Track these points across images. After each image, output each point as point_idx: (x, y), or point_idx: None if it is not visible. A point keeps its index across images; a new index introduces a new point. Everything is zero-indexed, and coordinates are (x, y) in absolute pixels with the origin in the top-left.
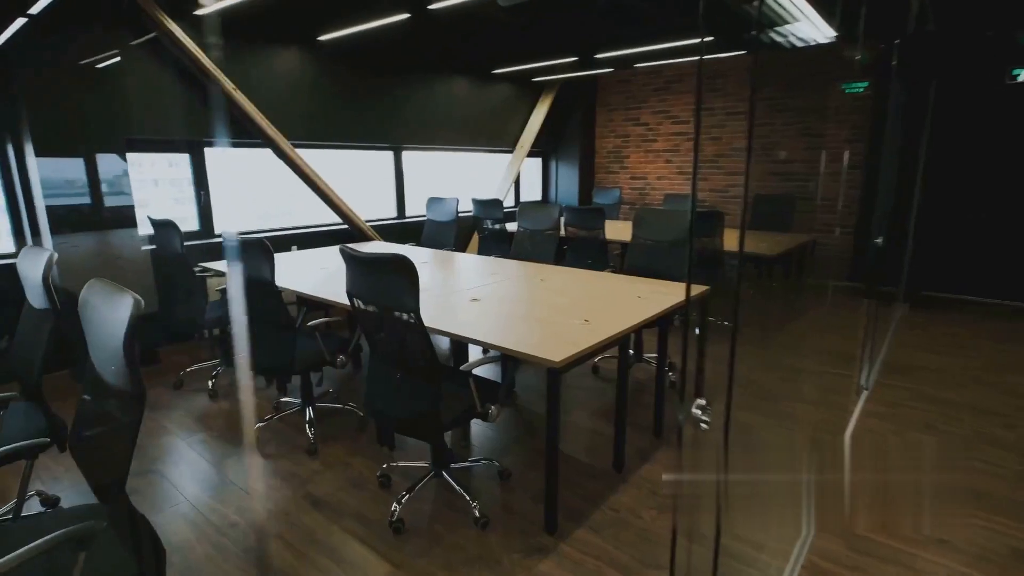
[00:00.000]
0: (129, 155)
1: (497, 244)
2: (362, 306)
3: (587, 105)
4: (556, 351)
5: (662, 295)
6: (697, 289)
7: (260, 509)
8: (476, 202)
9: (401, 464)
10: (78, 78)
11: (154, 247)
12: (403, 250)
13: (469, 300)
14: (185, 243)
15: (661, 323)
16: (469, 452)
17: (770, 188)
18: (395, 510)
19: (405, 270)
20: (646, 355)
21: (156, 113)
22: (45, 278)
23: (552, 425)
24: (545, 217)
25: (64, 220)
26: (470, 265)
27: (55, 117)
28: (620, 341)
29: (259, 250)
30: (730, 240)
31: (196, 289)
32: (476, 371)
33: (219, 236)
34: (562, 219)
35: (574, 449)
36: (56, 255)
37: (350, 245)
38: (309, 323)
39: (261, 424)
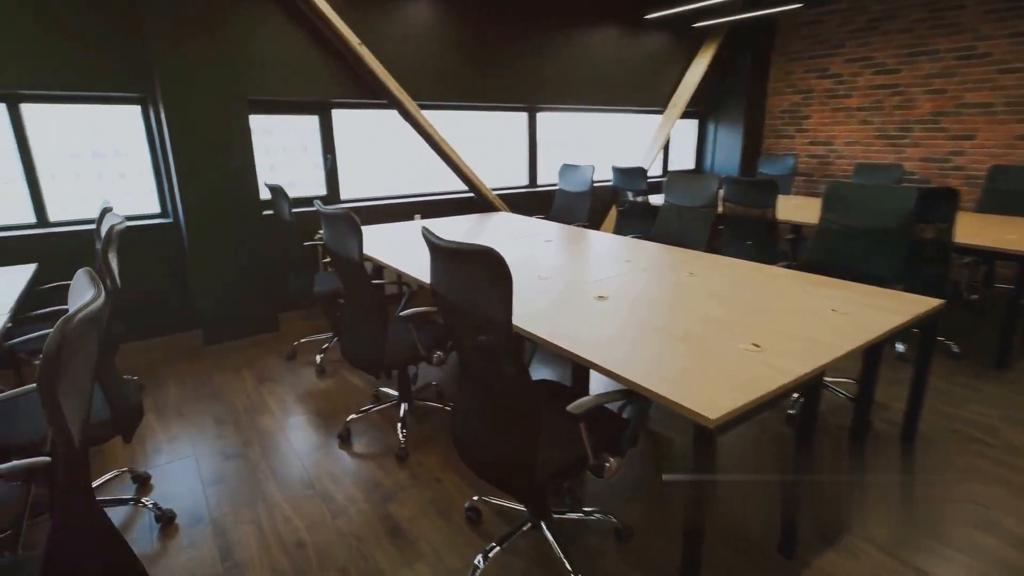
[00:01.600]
0: (254, 117)
1: (638, 221)
2: (449, 302)
3: (759, 54)
4: (710, 399)
5: (867, 307)
6: (924, 302)
7: (333, 530)
8: (616, 171)
9: (495, 501)
10: (202, 31)
11: (271, 212)
12: (528, 224)
13: (594, 297)
14: (311, 208)
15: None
16: (580, 496)
17: (1018, 157)
18: (478, 565)
19: (493, 271)
20: (829, 379)
21: (282, 72)
22: (103, 251)
23: (699, 495)
24: (700, 190)
25: (190, 183)
26: (602, 247)
27: (179, 74)
28: (810, 382)
29: (344, 224)
30: (964, 228)
31: (307, 258)
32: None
33: (342, 202)
34: (720, 193)
35: (725, 515)
36: (118, 226)
37: (468, 216)
38: (403, 312)
39: (356, 416)
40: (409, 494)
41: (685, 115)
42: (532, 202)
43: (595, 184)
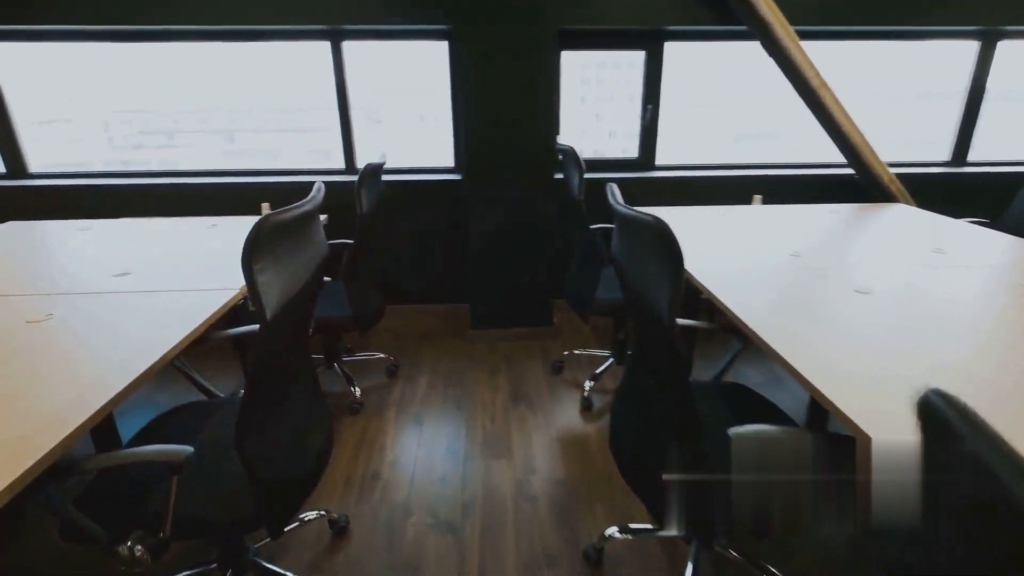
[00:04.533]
0: (566, 55)
1: None
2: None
3: None
4: None
5: None
6: None
7: None
8: None
9: None
10: None
11: (561, 175)
12: (940, 228)
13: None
14: (616, 177)
15: None
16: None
17: None
18: None
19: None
20: None
21: None
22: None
23: None
24: None
25: (480, 132)
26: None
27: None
28: None
29: (654, 240)
30: None
31: (590, 251)
32: None
33: (658, 168)
34: None
35: None
36: (321, 186)
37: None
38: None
39: (618, 534)
40: None
41: None
42: (957, 192)
43: None
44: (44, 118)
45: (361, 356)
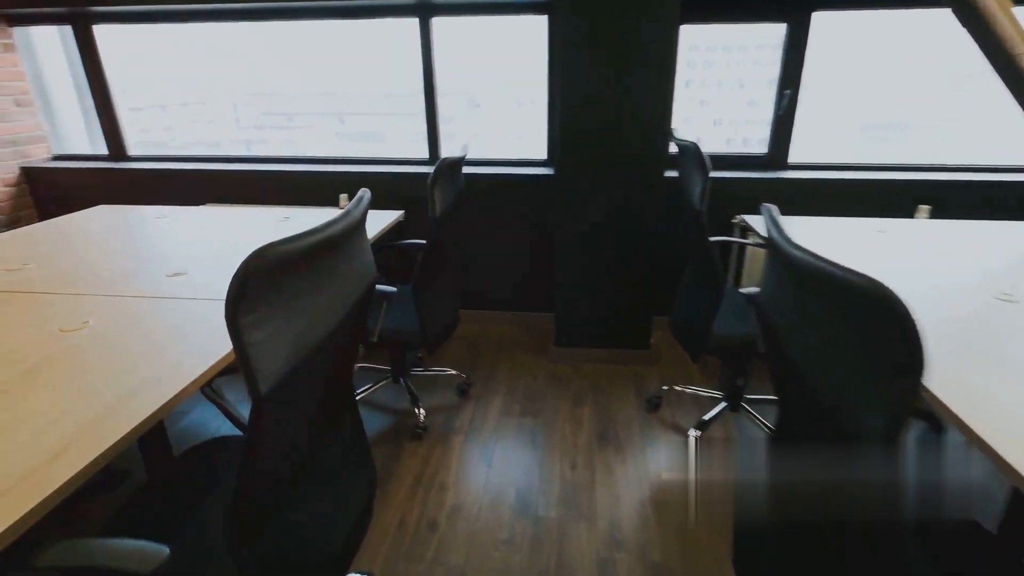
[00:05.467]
0: (686, 28)
1: None
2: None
3: None
4: None
5: None
6: None
7: None
8: None
9: None
10: None
11: (677, 174)
12: None
13: None
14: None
15: None
16: None
17: None
18: None
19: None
20: None
21: None
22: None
23: None
24: None
25: (578, 119)
26: None
27: None
28: None
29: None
30: None
31: (707, 272)
32: None
33: (791, 168)
34: None
35: None
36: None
37: None
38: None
39: None
40: None
41: None
42: None
43: None
44: (186, 100)
45: (431, 371)
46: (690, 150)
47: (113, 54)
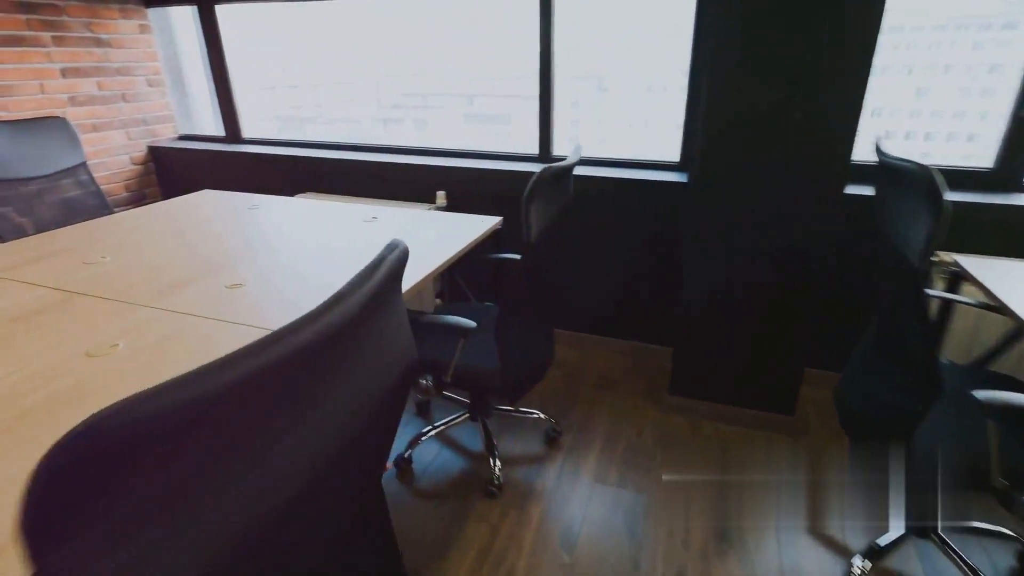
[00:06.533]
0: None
1: None
2: None
3: None
4: None
5: None
6: None
7: None
8: None
9: None
10: None
11: (880, 203)
12: None
13: None
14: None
15: None
16: None
17: None
18: None
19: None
20: None
21: None
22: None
23: None
24: None
25: (725, 107)
26: None
27: None
28: None
29: None
30: None
31: (917, 350)
32: None
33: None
34: None
35: None
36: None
37: None
38: None
39: None
40: None
41: None
42: None
43: None
44: (336, 79)
45: (517, 411)
46: (910, 174)
47: (272, 33)
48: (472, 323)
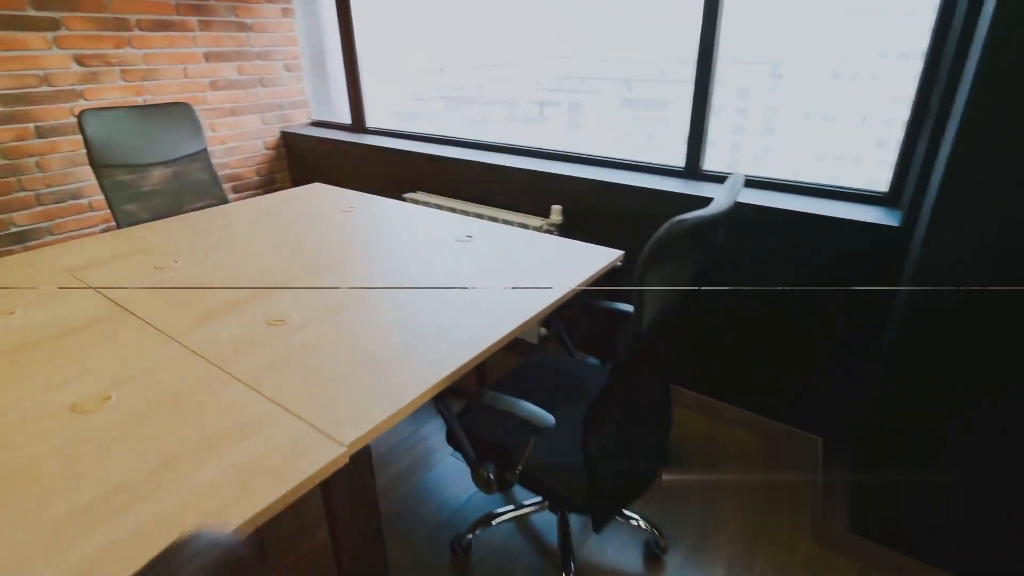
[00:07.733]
0: None
1: None
2: None
3: None
4: None
5: None
6: None
7: None
8: None
9: None
10: None
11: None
12: None
13: None
14: None
15: None
16: None
17: None
18: None
19: None
20: None
21: None
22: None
23: None
24: None
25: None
26: None
27: None
28: None
29: None
30: None
31: None
32: None
33: None
34: None
35: None
36: None
37: None
38: None
39: None
40: None
41: None
42: None
43: None
44: (495, 62)
45: None
46: None
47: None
48: (551, 419)
